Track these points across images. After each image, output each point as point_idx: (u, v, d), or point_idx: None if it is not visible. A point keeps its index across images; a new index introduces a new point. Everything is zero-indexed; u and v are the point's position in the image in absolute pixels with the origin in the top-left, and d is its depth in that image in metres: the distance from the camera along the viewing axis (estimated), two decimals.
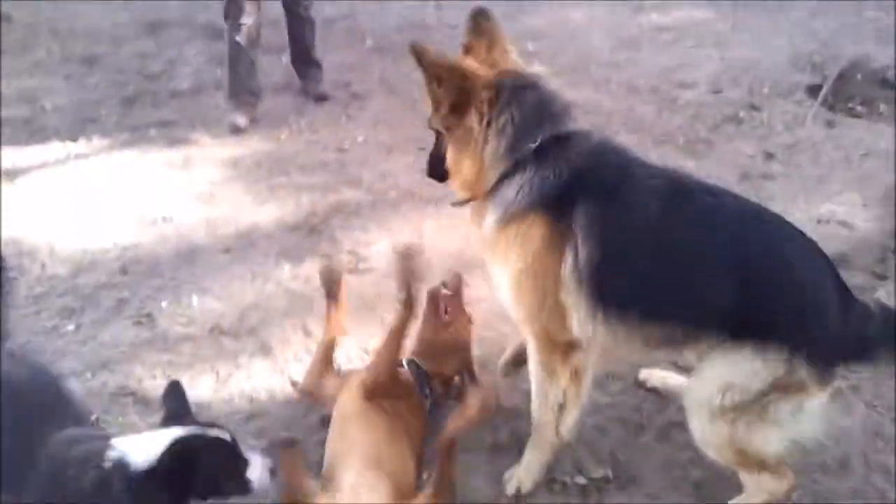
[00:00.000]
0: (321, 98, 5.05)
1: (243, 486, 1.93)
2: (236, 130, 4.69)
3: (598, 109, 4.73)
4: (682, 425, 2.51)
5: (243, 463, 1.94)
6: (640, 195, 1.92)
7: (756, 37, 5.67)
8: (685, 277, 1.91)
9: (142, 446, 1.84)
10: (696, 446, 2.43)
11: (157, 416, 2.62)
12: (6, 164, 4.40)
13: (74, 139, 4.73)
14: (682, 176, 2.08)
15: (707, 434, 2.02)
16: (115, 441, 1.86)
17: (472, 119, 1.97)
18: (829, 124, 4.43)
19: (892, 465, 2.39)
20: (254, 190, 4.09)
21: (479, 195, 2.08)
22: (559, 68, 5.29)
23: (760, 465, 2.03)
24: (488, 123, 1.96)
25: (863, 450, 2.44)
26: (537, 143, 1.94)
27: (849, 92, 4.82)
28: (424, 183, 4.02)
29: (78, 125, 4.90)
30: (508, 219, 1.99)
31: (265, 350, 2.98)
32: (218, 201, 4.00)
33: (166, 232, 3.76)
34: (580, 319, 1.97)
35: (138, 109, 5.09)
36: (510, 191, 1.98)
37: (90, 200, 4.05)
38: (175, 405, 2.01)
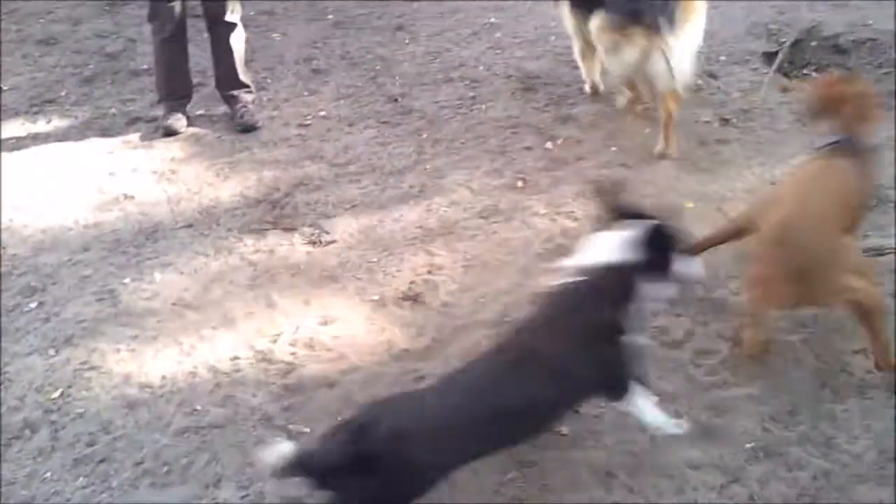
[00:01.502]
0: (249, 128, 4.38)
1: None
2: (172, 134, 4.40)
3: (558, 81, 4.78)
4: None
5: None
6: None
7: (714, 6, 5.70)
8: None
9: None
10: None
11: (121, 389, 2.69)
12: None
13: (34, 119, 4.69)
14: None
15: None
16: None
17: None
18: (784, 90, 4.49)
19: (838, 412, 2.48)
20: (215, 166, 4.08)
21: None
22: (520, 39, 5.33)
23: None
24: None
25: (811, 399, 2.53)
26: None
27: (803, 58, 4.89)
28: (386, 155, 4.08)
29: (37, 105, 4.85)
30: None
31: (229, 322, 3.00)
32: (179, 178, 3.99)
33: (128, 209, 3.76)
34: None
35: (98, 89, 5.03)
36: None
37: (51, 180, 4.03)
38: (617, 201, 2.30)
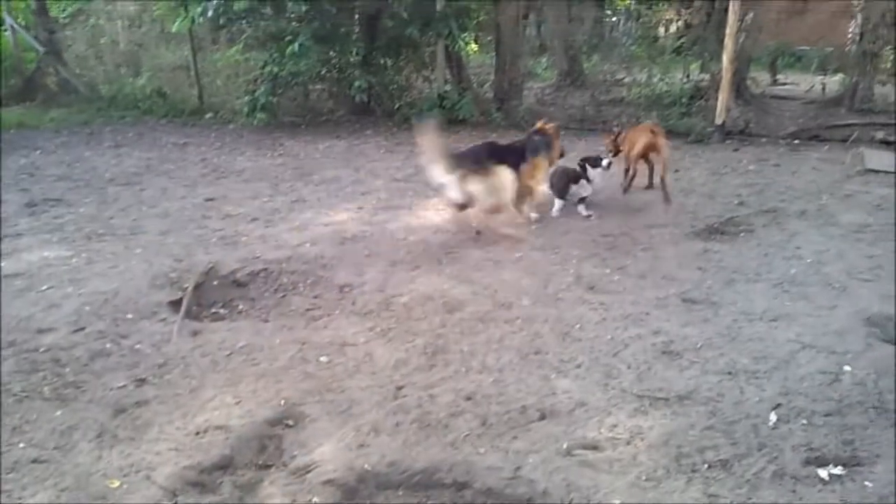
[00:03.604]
0: None
1: None
2: None
3: None
4: None
5: None
6: None
7: (112, 265, 5.68)
8: None
9: None
10: None
11: None
12: None
13: None
14: None
15: None
16: None
17: None
18: (195, 333, 4.58)
19: None
20: None
21: None
22: None
23: None
24: None
25: None
26: None
27: (209, 298, 5.13)
28: None
29: None
30: None
31: None
32: None
33: None
34: None
35: None
36: None
37: None
38: None
